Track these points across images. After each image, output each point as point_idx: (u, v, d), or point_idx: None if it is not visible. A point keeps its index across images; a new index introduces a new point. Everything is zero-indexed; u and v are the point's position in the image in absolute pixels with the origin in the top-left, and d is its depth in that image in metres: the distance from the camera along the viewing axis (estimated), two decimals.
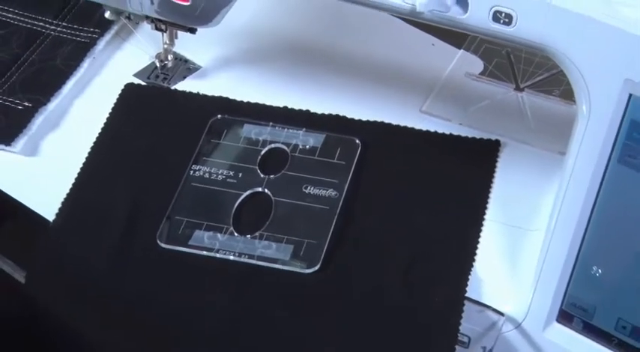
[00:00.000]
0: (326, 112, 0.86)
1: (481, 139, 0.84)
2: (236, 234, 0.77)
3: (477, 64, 0.92)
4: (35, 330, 0.76)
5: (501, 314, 0.74)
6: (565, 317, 0.72)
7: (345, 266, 0.75)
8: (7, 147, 0.84)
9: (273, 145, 0.83)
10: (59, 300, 0.75)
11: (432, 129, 0.84)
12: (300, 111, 0.86)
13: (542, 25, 0.65)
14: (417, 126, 0.85)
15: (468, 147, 0.83)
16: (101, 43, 0.94)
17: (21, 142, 0.85)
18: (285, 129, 0.84)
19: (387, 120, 0.85)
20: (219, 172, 0.81)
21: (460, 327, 0.72)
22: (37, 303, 0.75)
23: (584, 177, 0.66)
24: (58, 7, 0.96)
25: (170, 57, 0.91)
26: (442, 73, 0.91)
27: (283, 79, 0.90)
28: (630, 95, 0.62)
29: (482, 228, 0.78)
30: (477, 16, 0.67)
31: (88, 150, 0.83)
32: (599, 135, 0.65)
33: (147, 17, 0.87)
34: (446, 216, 0.78)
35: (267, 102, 0.87)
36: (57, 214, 0.79)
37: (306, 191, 0.80)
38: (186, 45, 0.91)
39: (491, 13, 0.67)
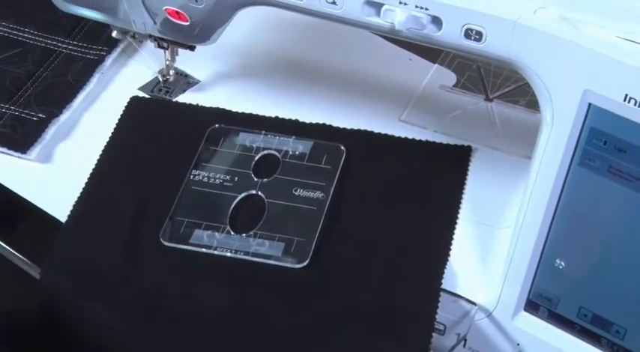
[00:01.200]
0: (314, 122, 0.86)
1: (454, 145, 0.84)
2: (232, 232, 0.77)
3: (450, 77, 0.92)
4: (49, 321, 0.76)
5: (474, 304, 0.74)
6: (532, 306, 0.72)
7: (331, 262, 0.75)
8: (23, 155, 0.84)
9: (265, 152, 0.83)
10: (71, 294, 0.75)
11: (410, 137, 0.84)
12: (290, 120, 0.86)
13: (509, 42, 0.65)
14: (397, 134, 0.84)
15: (443, 153, 0.83)
16: (109, 60, 0.93)
17: (35, 150, 0.85)
18: (277, 137, 0.84)
19: (369, 129, 0.85)
20: (217, 176, 0.81)
21: (437, 316, 0.72)
22: (50, 297, 0.75)
23: (549, 179, 0.66)
24: (70, 27, 0.96)
25: (171, 72, 0.91)
26: (419, 86, 0.91)
27: (275, 92, 0.90)
28: (590, 104, 0.62)
29: (456, 226, 0.78)
30: (450, 33, 0.67)
31: (97, 157, 0.83)
32: (562, 141, 0.64)
33: (150, 36, 0.87)
34: (423, 215, 0.78)
35: (261, 113, 0.87)
36: (69, 216, 0.79)
37: (296, 193, 0.79)
38: (186, 61, 0.91)
39: (463, 30, 0.66)
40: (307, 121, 0.86)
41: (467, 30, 0.66)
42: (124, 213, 0.78)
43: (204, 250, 0.76)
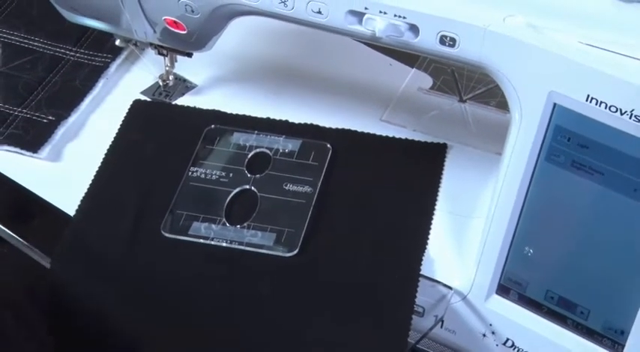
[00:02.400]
0: (302, 122, 0.85)
1: (431, 143, 0.83)
2: (228, 224, 0.77)
3: (427, 80, 0.91)
4: (59, 307, 0.75)
5: (450, 288, 0.74)
6: (503, 290, 0.72)
7: (319, 250, 0.75)
8: (35, 155, 0.84)
9: (258, 150, 0.82)
10: (79, 282, 0.74)
11: (391, 135, 0.84)
12: (281, 121, 0.85)
13: (480, 47, 0.65)
14: (378, 133, 0.84)
15: (421, 150, 0.83)
16: (113, 67, 0.93)
17: (46, 150, 0.84)
18: (268, 136, 0.83)
19: (353, 128, 0.85)
20: (213, 173, 0.81)
21: (416, 299, 0.72)
22: (60, 285, 0.75)
23: (518, 173, 0.66)
24: (77, 36, 0.95)
25: (171, 77, 0.91)
26: (398, 88, 0.91)
27: (266, 95, 0.89)
28: (555, 104, 0.62)
29: (433, 217, 0.77)
30: (426, 39, 0.67)
31: (103, 156, 0.83)
32: (529, 138, 0.64)
33: (151, 44, 0.86)
34: (403, 207, 0.78)
35: (253, 114, 0.86)
36: (77, 210, 0.78)
37: (286, 188, 0.79)
38: (185, 67, 0.91)
39: (438, 37, 0.66)
40: (296, 122, 0.85)
41: (442, 37, 0.66)
42: (127, 208, 0.78)
43: (201, 241, 0.76)
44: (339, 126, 0.85)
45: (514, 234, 0.69)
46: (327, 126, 0.85)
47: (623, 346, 0.68)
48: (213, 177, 0.80)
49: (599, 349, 0.69)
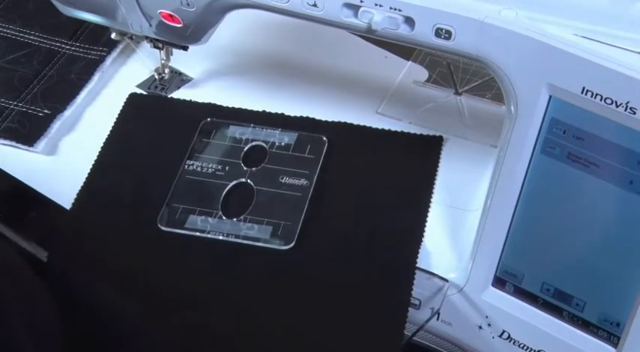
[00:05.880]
0: (298, 115, 0.85)
1: (427, 135, 0.83)
2: (224, 217, 0.77)
3: (422, 73, 0.91)
4: (58, 301, 0.75)
5: (446, 280, 0.74)
6: (499, 282, 0.72)
7: (315, 243, 0.75)
8: (30, 148, 0.83)
9: (254, 143, 0.82)
10: (76, 275, 0.74)
11: (387, 128, 0.84)
12: (277, 114, 0.85)
13: (476, 40, 0.65)
14: (374, 125, 0.84)
15: (416, 142, 0.83)
16: (109, 60, 0.92)
17: (42, 143, 0.84)
18: (264, 130, 0.83)
19: (348, 121, 0.84)
20: (210, 166, 0.80)
21: (412, 292, 0.72)
22: (58, 279, 0.75)
23: (513, 165, 0.66)
24: (73, 29, 0.95)
25: (166, 70, 0.90)
26: (394, 81, 0.90)
27: (262, 88, 0.89)
28: (550, 97, 0.62)
29: (429, 210, 0.77)
30: (422, 32, 0.67)
31: (99, 149, 0.83)
32: (525, 131, 0.64)
33: (146, 37, 0.86)
34: (399, 200, 0.78)
35: (249, 107, 0.86)
36: (73, 203, 0.78)
37: (282, 181, 0.79)
38: (180, 60, 0.90)
39: (434, 29, 0.66)
40: (292, 115, 0.85)
41: (437, 29, 0.66)
42: (124, 201, 0.78)
43: (198, 234, 0.76)
44: (335, 119, 0.85)
45: (510, 227, 0.69)
46: (323, 119, 0.85)
47: (618, 337, 0.68)
48: (210, 170, 0.80)
49: (594, 341, 0.69)
